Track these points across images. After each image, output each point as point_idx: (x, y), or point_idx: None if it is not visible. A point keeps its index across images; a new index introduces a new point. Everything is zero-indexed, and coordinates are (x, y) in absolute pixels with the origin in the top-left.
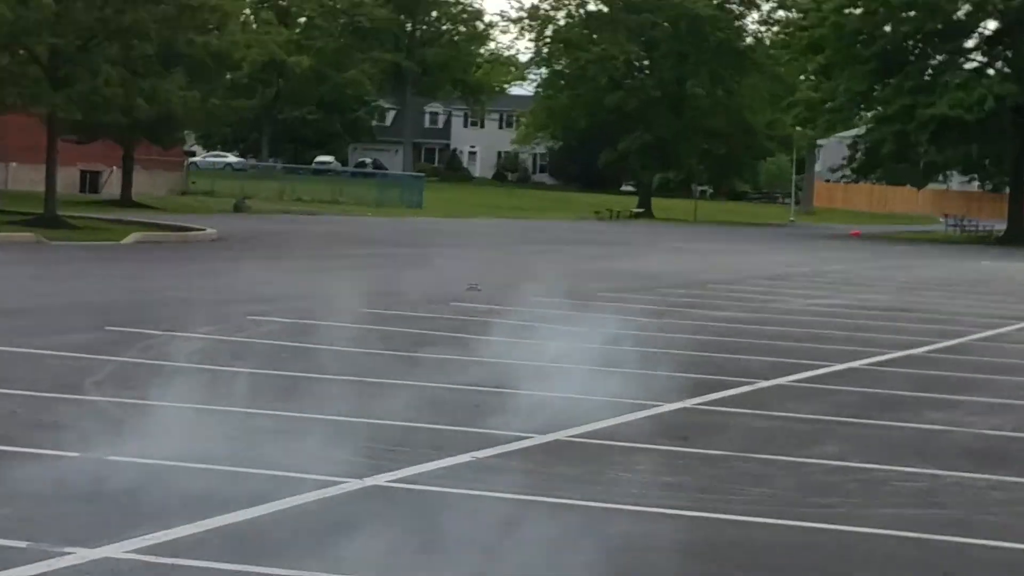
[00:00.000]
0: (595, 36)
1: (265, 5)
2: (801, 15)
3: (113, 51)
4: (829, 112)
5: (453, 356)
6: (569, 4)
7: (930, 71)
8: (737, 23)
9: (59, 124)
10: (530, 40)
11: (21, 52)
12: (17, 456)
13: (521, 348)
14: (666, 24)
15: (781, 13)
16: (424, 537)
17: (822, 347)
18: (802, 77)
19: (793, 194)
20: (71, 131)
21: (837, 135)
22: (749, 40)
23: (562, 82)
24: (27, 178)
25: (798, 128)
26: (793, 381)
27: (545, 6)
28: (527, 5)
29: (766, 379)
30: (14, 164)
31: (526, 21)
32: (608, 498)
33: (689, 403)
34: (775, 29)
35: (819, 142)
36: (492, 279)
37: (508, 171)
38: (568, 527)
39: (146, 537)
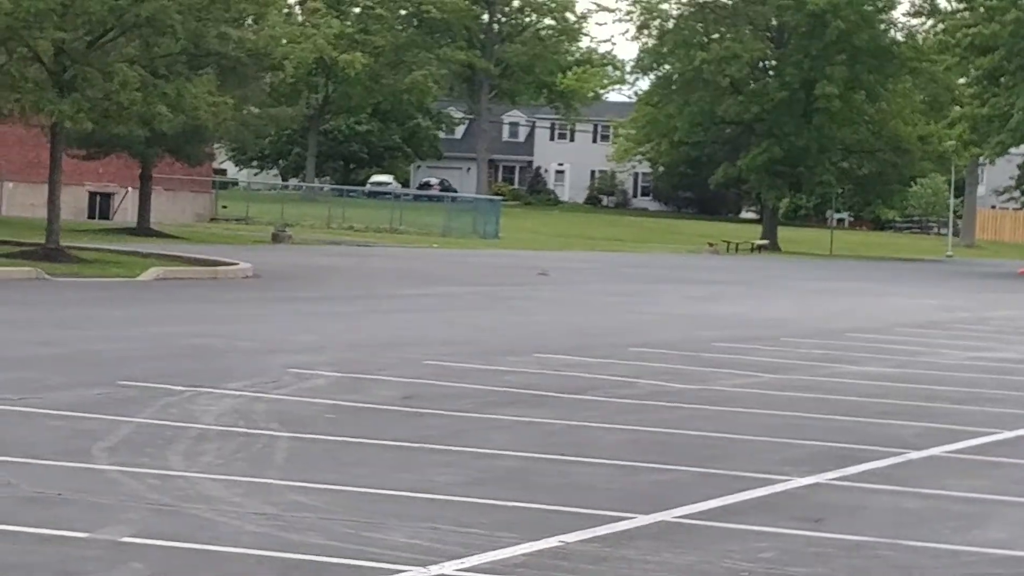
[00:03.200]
0: (712, 34)
1: None
2: (963, 4)
3: (130, 48)
4: (1003, 132)
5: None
6: None
7: None
8: (882, 15)
9: (65, 136)
10: (634, 36)
11: (21, 49)
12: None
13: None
14: (791, 12)
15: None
16: None
17: (986, 410)
18: (963, 80)
19: (951, 223)
20: (79, 145)
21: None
22: (897, 35)
23: (673, 87)
24: (26, 201)
25: (962, 149)
26: (950, 452)
27: None
28: None
29: (917, 449)
30: (11, 184)
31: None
32: None
33: (822, 478)
34: (927, 25)
35: (982, 159)
36: (588, 326)
37: (603, 194)
38: None
39: None
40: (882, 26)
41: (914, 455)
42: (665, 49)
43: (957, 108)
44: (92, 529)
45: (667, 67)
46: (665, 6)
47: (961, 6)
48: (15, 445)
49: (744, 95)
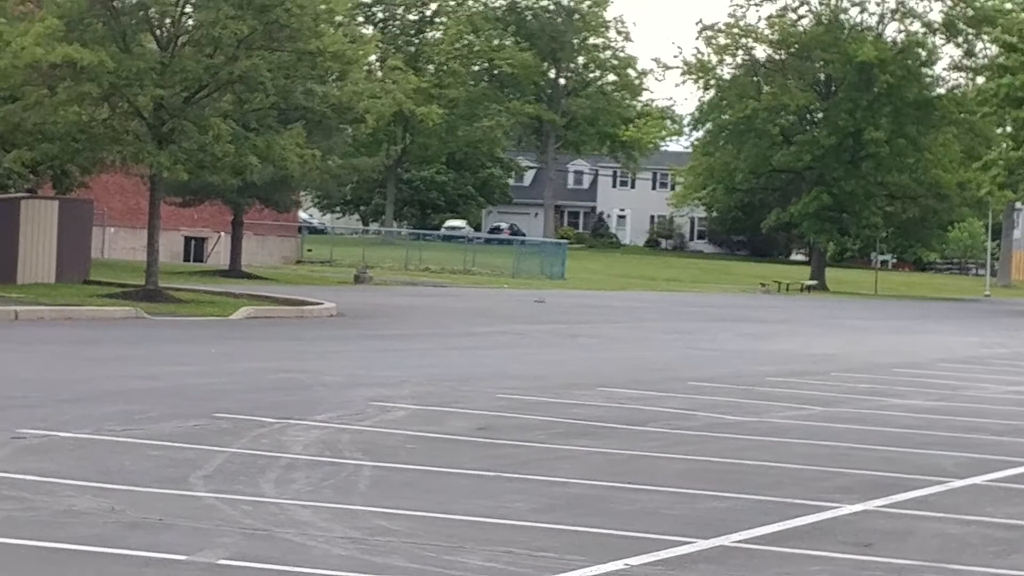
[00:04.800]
0: (765, 86)
1: (394, 50)
2: (1002, 52)
3: (224, 103)
4: None
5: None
6: (735, 50)
7: None
8: (924, 70)
9: (163, 185)
10: (695, 88)
11: (123, 105)
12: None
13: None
14: (837, 65)
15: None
16: None
17: None
18: (1000, 130)
19: (988, 265)
20: (175, 193)
21: None
22: (939, 90)
23: (724, 133)
24: (126, 245)
25: (996, 191)
26: (991, 480)
27: (710, 51)
28: (688, 52)
29: (959, 478)
30: (112, 229)
31: (687, 68)
32: None
33: (871, 505)
34: (966, 77)
35: (1018, 205)
36: (649, 362)
37: (662, 237)
38: None
39: None
40: (927, 79)
41: (956, 483)
42: (724, 102)
43: (993, 152)
44: (191, 552)
45: (724, 116)
46: (716, 59)
47: (1001, 59)
48: (119, 473)
49: (795, 144)
